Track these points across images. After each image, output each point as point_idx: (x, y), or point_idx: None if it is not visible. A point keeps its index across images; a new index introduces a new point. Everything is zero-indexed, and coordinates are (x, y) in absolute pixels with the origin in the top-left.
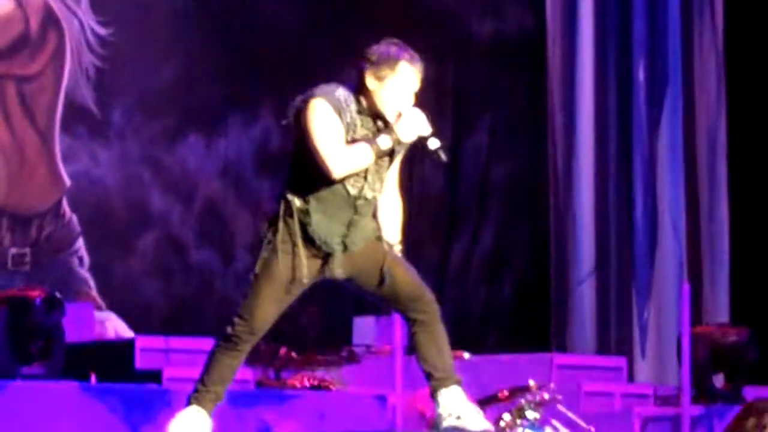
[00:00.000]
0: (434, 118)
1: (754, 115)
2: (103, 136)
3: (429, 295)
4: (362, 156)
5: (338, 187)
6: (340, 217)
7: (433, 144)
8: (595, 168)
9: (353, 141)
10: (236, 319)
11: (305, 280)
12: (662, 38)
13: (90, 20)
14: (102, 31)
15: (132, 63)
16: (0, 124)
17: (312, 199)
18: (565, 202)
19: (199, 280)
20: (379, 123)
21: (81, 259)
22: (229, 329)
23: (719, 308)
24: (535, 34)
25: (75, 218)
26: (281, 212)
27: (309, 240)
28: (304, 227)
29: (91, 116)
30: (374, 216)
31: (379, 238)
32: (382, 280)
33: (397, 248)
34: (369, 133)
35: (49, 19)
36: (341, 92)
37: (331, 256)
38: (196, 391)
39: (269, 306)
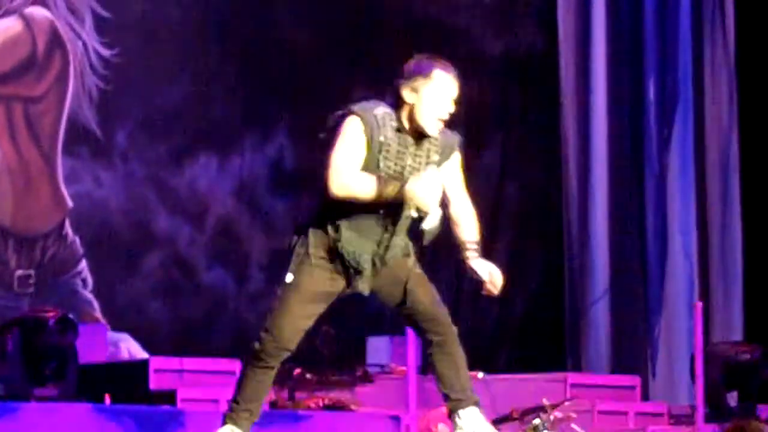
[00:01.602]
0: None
1: (766, 132)
2: (106, 157)
3: (446, 318)
4: (365, 189)
5: (371, 205)
6: (371, 235)
7: (428, 224)
8: (609, 186)
9: (385, 158)
10: (263, 334)
11: (329, 292)
12: (673, 56)
13: (94, 42)
14: (106, 52)
15: (136, 84)
16: (7, 144)
17: (343, 216)
18: (578, 220)
19: (209, 301)
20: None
21: (84, 281)
22: (256, 345)
23: (733, 326)
24: (546, 53)
25: (78, 240)
26: (311, 224)
27: (338, 255)
28: (334, 242)
29: (93, 138)
30: (408, 236)
31: (407, 255)
32: (404, 299)
33: (472, 245)
34: (403, 152)
35: (55, 41)
36: (380, 110)
37: (359, 273)
38: (230, 410)
39: (296, 320)
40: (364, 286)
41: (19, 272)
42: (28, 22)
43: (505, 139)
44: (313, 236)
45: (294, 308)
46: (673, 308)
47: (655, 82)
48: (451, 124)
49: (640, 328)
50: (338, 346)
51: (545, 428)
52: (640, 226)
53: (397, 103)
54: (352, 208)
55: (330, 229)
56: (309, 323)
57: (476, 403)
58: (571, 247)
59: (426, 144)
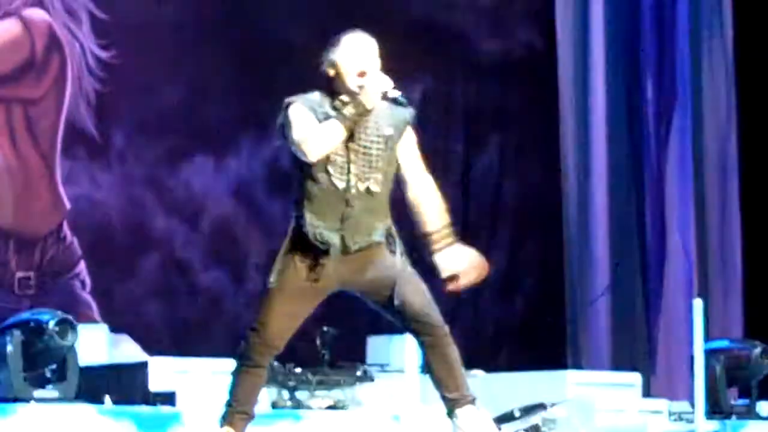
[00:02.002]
0: (444, 136)
1: (765, 132)
2: (104, 159)
3: (437, 318)
4: (329, 129)
5: (324, 180)
6: (332, 213)
7: (395, 94)
8: (608, 185)
9: None
10: (249, 333)
11: (313, 287)
12: (670, 55)
13: (91, 44)
14: (102, 54)
15: (133, 85)
16: (7, 147)
17: (305, 201)
18: (578, 218)
19: (206, 302)
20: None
21: (83, 283)
22: (243, 344)
23: (732, 323)
24: (544, 53)
25: (76, 241)
26: (291, 226)
27: (310, 245)
28: (300, 229)
29: (91, 139)
30: (385, 219)
31: (392, 252)
32: (391, 299)
33: (445, 232)
34: None
35: (53, 43)
36: (316, 94)
37: (327, 252)
38: (225, 412)
39: (281, 317)
40: (333, 267)
41: (20, 274)
42: (26, 24)
43: (504, 139)
44: (291, 233)
45: (277, 306)
46: (672, 306)
47: (652, 81)
48: (449, 125)
49: (639, 325)
50: (339, 346)
51: (546, 426)
52: (639, 225)
53: (329, 87)
54: (312, 189)
55: (298, 219)
56: (295, 322)
57: (473, 402)
58: (571, 245)
59: (374, 118)
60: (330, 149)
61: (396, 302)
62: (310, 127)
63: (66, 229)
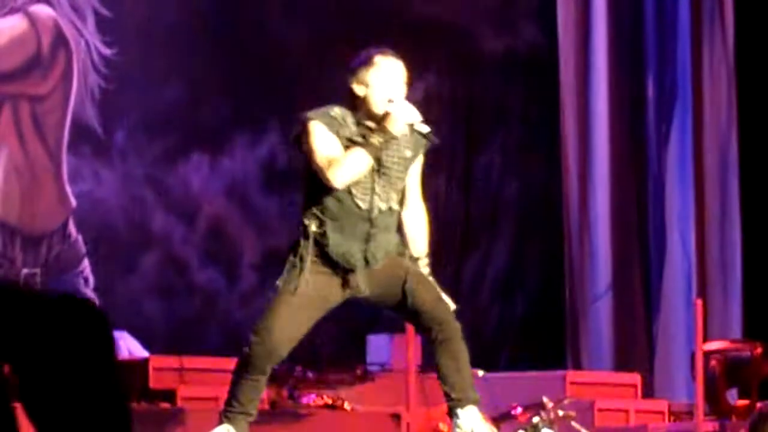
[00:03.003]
0: (446, 135)
1: (765, 131)
2: (107, 156)
3: (449, 315)
4: (357, 159)
5: (349, 203)
6: (356, 233)
7: (423, 128)
8: (609, 184)
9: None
10: (253, 338)
11: (322, 297)
12: (671, 54)
13: (95, 40)
14: (107, 51)
15: (136, 83)
16: (14, 143)
17: (327, 219)
18: (579, 218)
19: (203, 300)
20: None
21: (86, 280)
22: (246, 350)
23: (732, 324)
24: (547, 51)
25: (81, 239)
26: (300, 235)
27: (328, 259)
28: (322, 248)
29: (95, 136)
30: (398, 231)
31: (402, 254)
32: (403, 298)
33: (424, 262)
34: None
35: (59, 39)
36: (336, 110)
37: (352, 272)
38: (226, 410)
39: (287, 326)
40: (360, 284)
41: (26, 271)
42: (32, 20)
43: (506, 137)
44: (303, 243)
45: (284, 314)
46: (672, 306)
47: (653, 80)
48: (451, 123)
49: (640, 325)
50: (338, 345)
51: (545, 426)
52: (640, 224)
53: (352, 103)
54: (331, 208)
55: (316, 236)
56: (300, 331)
57: (476, 402)
58: (572, 245)
59: (396, 140)
60: (357, 177)
61: (408, 300)
62: (334, 154)
63: (71, 226)
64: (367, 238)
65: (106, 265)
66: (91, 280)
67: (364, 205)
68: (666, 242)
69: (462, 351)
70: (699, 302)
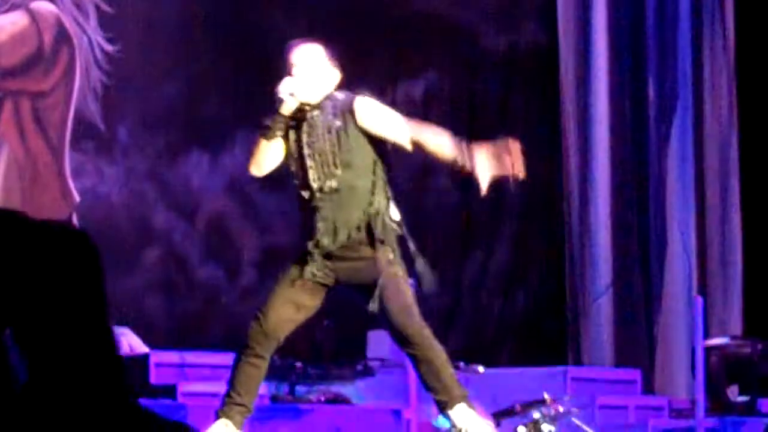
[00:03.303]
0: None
1: (766, 132)
2: (110, 152)
3: (413, 329)
4: (256, 146)
5: (298, 193)
6: (311, 218)
7: (287, 92)
8: (610, 183)
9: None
10: (252, 322)
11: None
12: (672, 54)
13: (98, 37)
14: (109, 47)
15: (137, 79)
16: (15, 139)
17: (299, 203)
18: (580, 216)
19: (203, 297)
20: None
21: None
22: (247, 332)
23: (732, 321)
24: (548, 50)
25: None
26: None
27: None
28: (302, 234)
29: (98, 132)
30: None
31: (377, 256)
32: (368, 305)
33: (464, 146)
34: (299, 132)
35: (61, 35)
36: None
37: (311, 256)
38: (223, 405)
39: (281, 307)
40: (314, 269)
41: None
42: (34, 16)
43: (507, 135)
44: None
45: (279, 296)
46: (672, 303)
47: (654, 81)
48: (453, 121)
49: (640, 322)
50: (339, 340)
51: (546, 422)
52: (640, 223)
53: None
54: (300, 197)
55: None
56: (297, 314)
57: (464, 398)
58: (573, 242)
59: (321, 117)
60: (264, 164)
61: (372, 308)
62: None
63: (75, 221)
64: (319, 220)
65: (108, 260)
66: None
67: (305, 193)
68: (667, 240)
69: (434, 356)
70: (699, 299)
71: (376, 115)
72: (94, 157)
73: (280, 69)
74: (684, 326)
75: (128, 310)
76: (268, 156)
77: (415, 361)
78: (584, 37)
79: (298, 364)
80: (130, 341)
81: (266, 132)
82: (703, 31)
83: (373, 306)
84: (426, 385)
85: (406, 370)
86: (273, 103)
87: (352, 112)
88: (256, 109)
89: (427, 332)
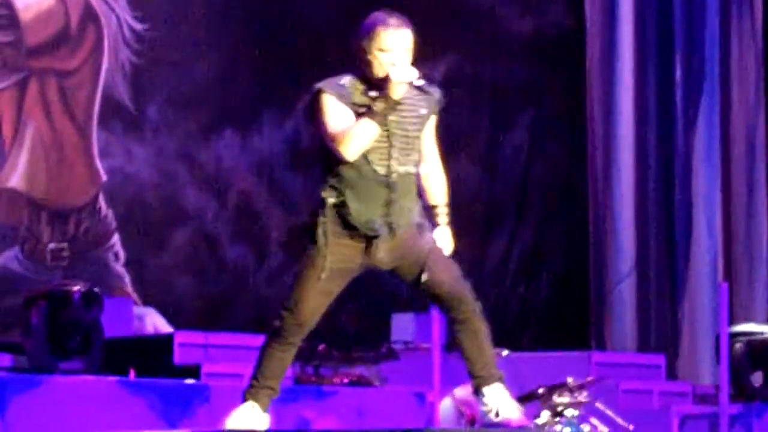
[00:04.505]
0: (471, 116)
1: None
2: (139, 131)
3: (468, 294)
4: (364, 128)
5: (366, 169)
6: (376, 199)
7: (419, 83)
8: (635, 166)
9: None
10: (283, 312)
11: (348, 268)
12: (699, 37)
13: (127, 16)
14: (138, 26)
15: (167, 59)
16: (41, 118)
17: (345, 189)
18: (604, 200)
19: (232, 277)
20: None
21: (117, 255)
22: (276, 323)
23: (758, 307)
24: (573, 32)
25: (111, 213)
26: (320, 206)
27: (350, 228)
28: (343, 217)
29: (126, 112)
30: (418, 198)
31: (422, 227)
32: (419, 276)
33: (443, 211)
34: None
35: (89, 15)
36: (346, 78)
37: (375, 239)
38: (250, 386)
39: (314, 297)
40: (382, 255)
41: (52, 245)
42: None
43: (531, 119)
44: (324, 213)
45: (312, 284)
46: (697, 288)
47: (681, 62)
48: (476, 104)
49: (665, 308)
50: (363, 323)
51: (569, 407)
52: (665, 207)
53: (359, 67)
54: (349, 176)
55: (336, 204)
56: (328, 300)
57: (500, 379)
58: (597, 226)
59: (410, 100)
60: (366, 147)
61: (424, 278)
62: (344, 126)
63: (101, 201)
64: (388, 204)
65: (137, 240)
66: (122, 255)
67: (381, 170)
68: (692, 225)
69: (482, 330)
70: (725, 285)
71: (433, 127)
72: (122, 136)
73: (343, 47)
74: (709, 312)
75: (158, 289)
76: (372, 140)
77: (463, 331)
78: (611, 20)
79: (322, 347)
80: (154, 321)
81: (377, 117)
82: (730, 13)
83: (425, 277)
84: (467, 360)
85: (430, 353)
86: (381, 81)
87: (436, 106)
88: (283, 90)
89: (477, 304)
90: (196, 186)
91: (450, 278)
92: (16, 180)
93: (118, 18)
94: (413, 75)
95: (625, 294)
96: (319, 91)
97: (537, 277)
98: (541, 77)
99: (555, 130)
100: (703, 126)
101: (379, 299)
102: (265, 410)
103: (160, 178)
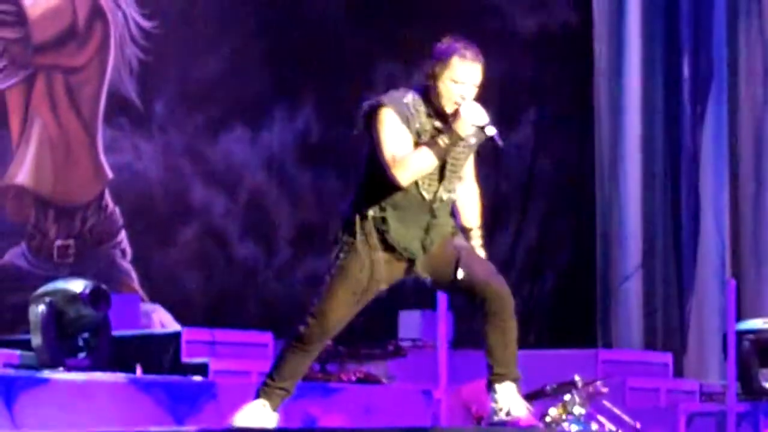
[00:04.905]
0: None
1: None
2: (146, 128)
3: (506, 290)
4: (424, 159)
5: (413, 192)
6: (417, 222)
7: (490, 131)
8: (642, 163)
9: (421, 145)
10: (309, 319)
11: (383, 284)
12: (707, 33)
13: (134, 13)
14: (145, 23)
15: (175, 56)
16: (48, 115)
17: (388, 206)
18: (611, 196)
19: (241, 273)
20: (440, 123)
21: (123, 252)
22: (301, 328)
23: (764, 304)
24: (580, 28)
25: (118, 210)
26: (358, 218)
27: (388, 245)
28: (381, 233)
29: (133, 108)
30: (451, 214)
31: (454, 234)
32: (456, 274)
33: (477, 233)
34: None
35: (96, 12)
36: (409, 98)
37: (413, 261)
38: (265, 385)
39: (343, 308)
40: (421, 272)
41: (59, 242)
42: None
43: (538, 115)
44: (361, 226)
45: (341, 298)
46: (705, 286)
47: (689, 59)
48: (483, 100)
49: (672, 305)
50: (370, 320)
51: (577, 404)
52: (673, 203)
53: (425, 87)
54: (394, 195)
55: (376, 219)
56: (355, 311)
57: (516, 380)
58: (604, 222)
59: (462, 140)
60: (419, 176)
61: (461, 275)
62: (403, 149)
63: (108, 197)
64: (428, 228)
65: (144, 237)
66: (129, 252)
67: (428, 196)
68: (700, 222)
69: (511, 327)
70: (732, 282)
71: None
72: (130, 133)
73: (417, 68)
74: (716, 309)
75: (165, 286)
76: (426, 172)
77: (493, 325)
78: (618, 17)
79: (330, 343)
80: (161, 318)
81: (440, 151)
82: (738, 10)
83: (462, 273)
84: (490, 354)
85: (437, 351)
86: (452, 117)
87: (483, 138)
88: (297, 85)
89: (512, 300)
90: (203, 182)
91: (484, 272)
92: (23, 177)
93: (125, 15)
94: (484, 119)
95: (631, 291)
96: (382, 105)
97: (543, 274)
98: (547, 73)
99: (562, 127)
100: (711, 123)
101: (386, 297)
102: (275, 409)
103: (168, 175)
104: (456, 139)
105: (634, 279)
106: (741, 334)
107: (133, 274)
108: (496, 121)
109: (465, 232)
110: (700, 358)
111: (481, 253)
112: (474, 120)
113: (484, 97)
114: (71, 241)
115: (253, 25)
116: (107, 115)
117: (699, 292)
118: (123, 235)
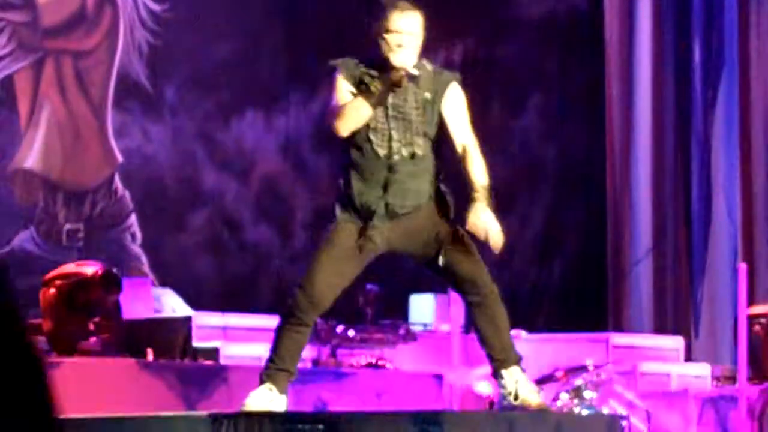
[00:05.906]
0: (485, 99)
1: None
2: (156, 112)
3: (485, 278)
4: (356, 108)
5: (368, 150)
6: (376, 180)
7: (413, 72)
8: (652, 148)
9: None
10: (296, 290)
11: (363, 250)
12: (718, 18)
13: None
14: (156, 7)
15: (185, 39)
16: (57, 99)
17: (351, 168)
18: (622, 181)
19: (254, 258)
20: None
21: (133, 236)
22: (290, 301)
23: None
24: (588, 14)
25: (128, 194)
26: (340, 189)
27: (355, 209)
28: (348, 197)
29: (143, 92)
30: (434, 180)
31: (447, 212)
32: (435, 257)
33: (483, 194)
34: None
35: None
36: (365, 59)
37: (371, 219)
38: (267, 368)
39: (328, 276)
40: (375, 234)
41: (68, 226)
42: None
43: (546, 101)
44: (339, 196)
45: (325, 264)
46: (716, 270)
47: (700, 43)
48: (491, 85)
49: (683, 289)
50: (381, 305)
51: (588, 389)
52: (684, 188)
53: (374, 50)
54: (354, 156)
55: (346, 187)
56: (342, 282)
57: (518, 362)
58: (615, 207)
59: (414, 84)
60: (358, 125)
61: (441, 261)
62: (341, 103)
63: (117, 181)
64: (386, 184)
65: (155, 221)
66: (139, 236)
67: (382, 152)
68: (711, 206)
69: (500, 313)
70: (743, 267)
71: (459, 109)
72: (140, 117)
73: (354, 27)
74: (727, 293)
75: (175, 270)
76: (364, 119)
77: (480, 314)
78: (629, 1)
79: (340, 328)
80: (173, 302)
81: (372, 98)
82: None
83: (442, 260)
84: (485, 343)
85: (448, 335)
86: (382, 69)
87: (444, 92)
88: (311, 69)
89: (495, 287)
90: (215, 167)
91: (467, 260)
92: (32, 161)
93: None
94: (410, 62)
95: (643, 275)
96: (333, 68)
97: (554, 258)
98: (555, 59)
99: (573, 113)
100: (722, 108)
101: (397, 281)
102: (283, 392)
103: (178, 159)
104: (388, 83)
105: (645, 263)
106: (752, 318)
107: (144, 258)
108: (505, 105)
109: (472, 192)
110: (711, 342)
111: (481, 209)
112: (402, 63)
113: (488, 82)
114: (80, 225)
115: (268, 7)
116: (117, 99)
117: (710, 277)
118: (133, 219)
